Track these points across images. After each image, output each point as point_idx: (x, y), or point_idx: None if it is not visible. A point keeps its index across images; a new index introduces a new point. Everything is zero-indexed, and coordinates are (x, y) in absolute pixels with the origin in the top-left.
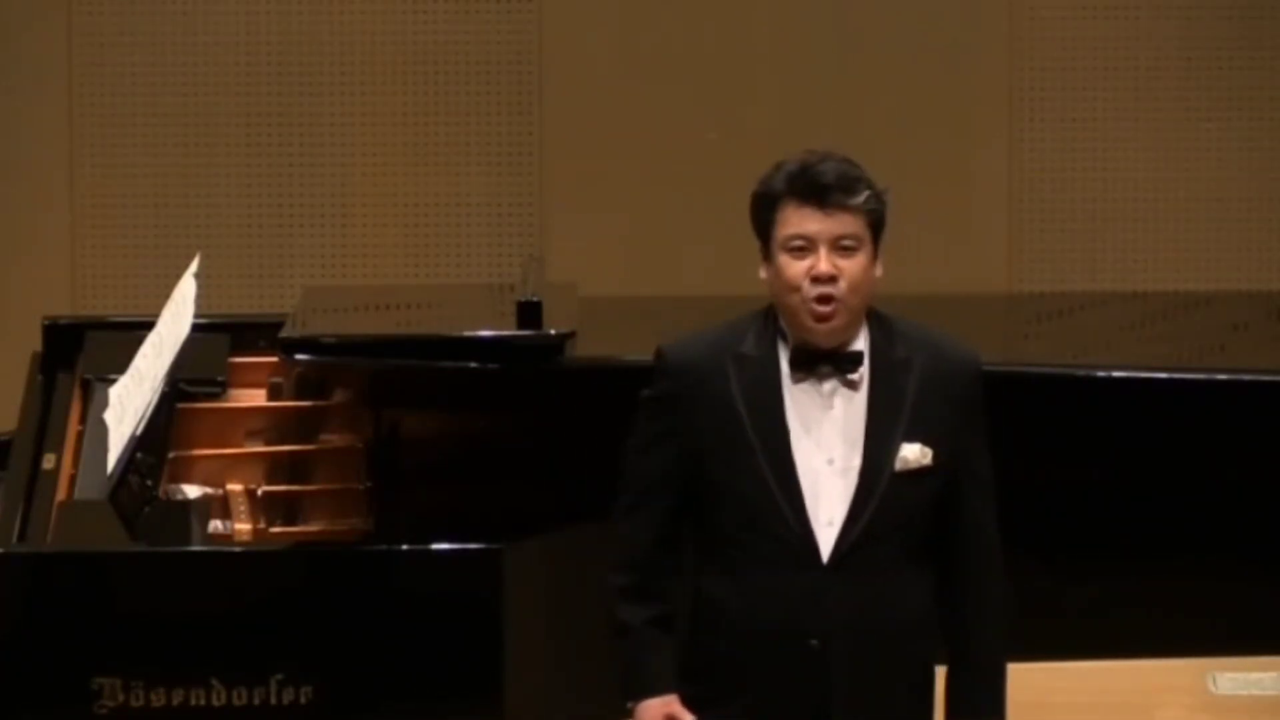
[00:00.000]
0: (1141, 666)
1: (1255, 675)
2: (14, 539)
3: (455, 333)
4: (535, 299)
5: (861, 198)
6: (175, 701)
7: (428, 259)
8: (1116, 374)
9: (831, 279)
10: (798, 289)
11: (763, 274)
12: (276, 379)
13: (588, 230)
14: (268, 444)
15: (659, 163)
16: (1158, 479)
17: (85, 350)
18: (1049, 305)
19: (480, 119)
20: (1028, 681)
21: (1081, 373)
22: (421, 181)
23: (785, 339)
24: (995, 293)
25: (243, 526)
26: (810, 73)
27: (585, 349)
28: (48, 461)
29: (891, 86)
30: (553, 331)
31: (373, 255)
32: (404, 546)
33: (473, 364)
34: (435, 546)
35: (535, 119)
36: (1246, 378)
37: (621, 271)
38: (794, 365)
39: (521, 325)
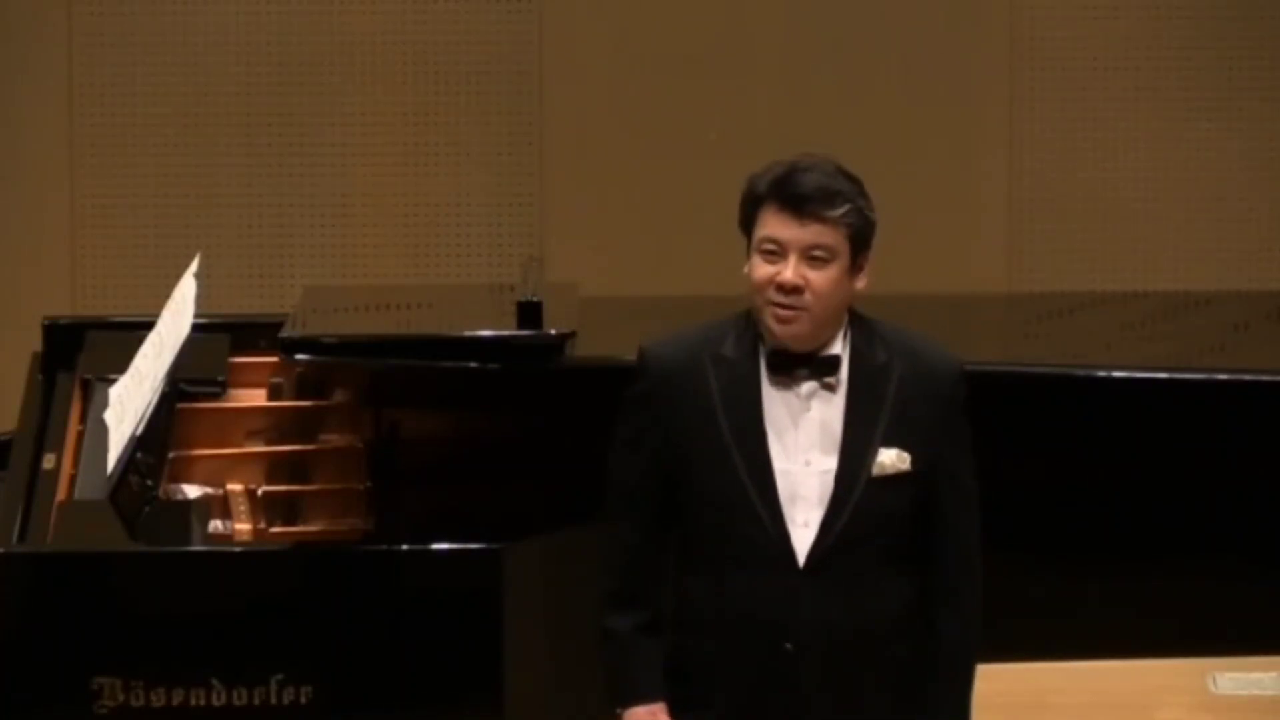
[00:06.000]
0: (1141, 666)
1: (1255, 675)
2: (14, 539)
3: (455, 333)
4: (535, 299)
5: (839, 211)
6: (175, 701)
7: (428, 259)
8: (1116, 374)
9: (796, 289)
10: (763, 292)
11: (746, 271)
12: (277, 379)
13: (588, 230)
14: (268, 444)
15: (659, 162)
16: (1158, 479)
17: (85, 350)
18: (1049, 305)
19: (480, 119)
20: (1028, 681)
21: (1081, 373)
22: (421, 181)
23: (764, 341)
24: (995, 293)
25: (243, 526)
26: (810, 72)
27: (585, 349)
28: (48, 461)
29: (892, 86)
30: (553, 331)
31: (373, 255)
32: (404, 546)
33: (473, 364)
34: (435, 546)
35: (535, 119)
36: (1246, 378)
37: (621, 271)
38: (772, 368)
39: (521, 325)
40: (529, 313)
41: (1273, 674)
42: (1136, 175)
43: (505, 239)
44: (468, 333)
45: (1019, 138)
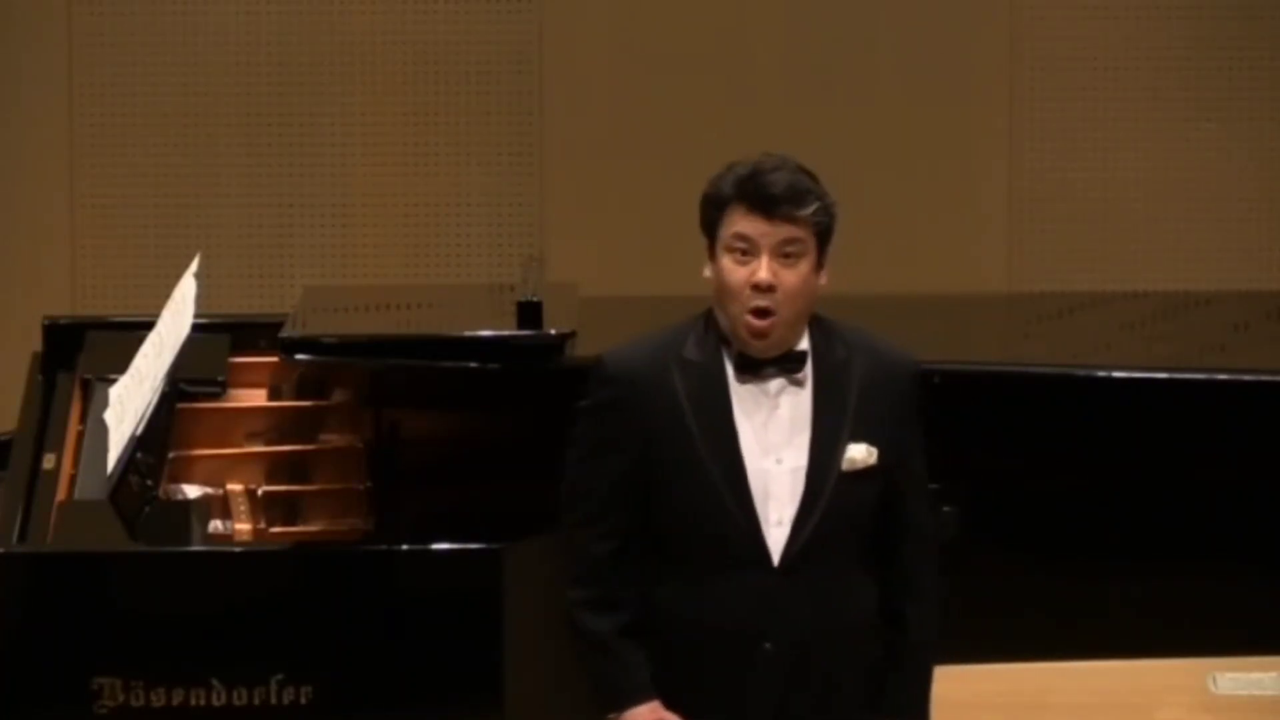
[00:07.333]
0: (1141, 666)
1: (1255, 675)
2: (14, 539)
3: (455, 333)
4: (535, 299)
5: (809, 209)
6: (175, 701)
7: (428, 259)
8: (1116, 374)
9: (770, 288)
10: (737, 296)
11: (706, 273)
12: (277, 379)
13: (588, 230)
14: (268, 444)
15: (659, 163)
16: (1158, 479)
17: (85, 350)
18: (1049, 305)
19: (480, 119)
20: (1028, 681)
21: (1081, 373)
22: (421, 181)
23: (728, 341)
24: (995, 293)
25: (243, 526)
26: (810, 73)
27: (585, 349)
28: (48, 461)
29: (892, 86)
30: (553, 331)
31: (373, 255)
32: (404, 546)
33: (473, 364)
34: (435, 546)
35: (535, 119)
36: (1246, 378)
37: (621, 271)
38: (739, 367)
39: (521, 325)
40: (529, 313)
41: (1273, 674)
42: (1136, 175)
43: (505, 239)
44: (468, 333)
45: (1019, 138)
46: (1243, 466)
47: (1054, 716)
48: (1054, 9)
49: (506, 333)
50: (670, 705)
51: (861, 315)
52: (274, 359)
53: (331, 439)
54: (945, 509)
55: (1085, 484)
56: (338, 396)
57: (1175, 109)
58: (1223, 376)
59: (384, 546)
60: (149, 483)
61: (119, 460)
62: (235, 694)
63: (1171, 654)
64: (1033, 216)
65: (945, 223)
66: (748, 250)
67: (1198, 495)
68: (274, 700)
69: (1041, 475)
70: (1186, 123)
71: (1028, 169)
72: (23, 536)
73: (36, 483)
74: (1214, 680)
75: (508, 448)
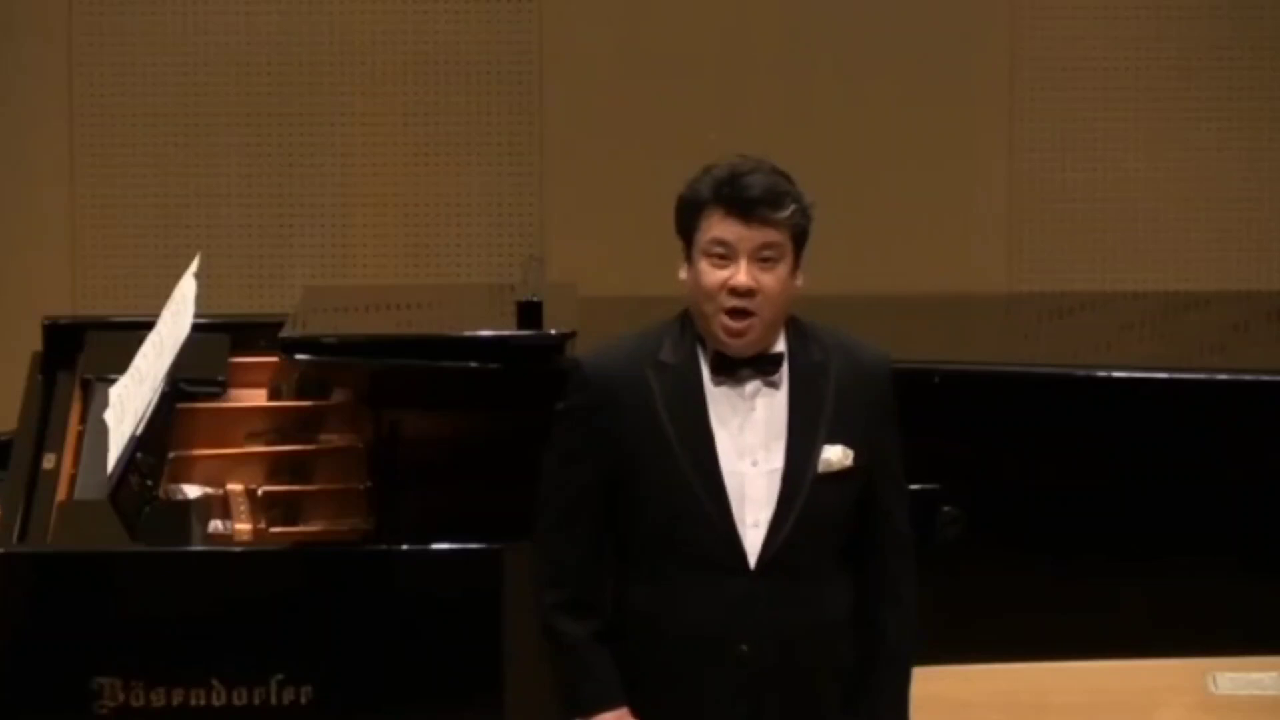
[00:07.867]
0: (1141, 666)
1: (1255, 675)
2: (14, 539)
3: (455, 333)
4: (535, 299)
5: (787, 212)
6: (175, 701)
7: (428, 259)
8: (1116, 374)
9: (749, 292)
10: (713, 298)
11: (682, 275)
12: (277, 381)
13: (588, 230)
14: (268, 444)
15: (659, 163)
16: (1158, 479)
17: (85, 350)
18: (1049, 305)
19: (480, 119)
20: (1028, 681)
21: (1081, 373)
22: (421, 181)
23: (703, 343)
24: (995, 293)
25: (243, 526)
26: (810, 72)
27: (585, 349)
28: (48, 461)
29: (892, 87)
30: (553, 331)
31: (373, 255)
32: (404, 546)
33: (473, 364)
34: (435, 546)
35: (535, 119)
36: (1246, 378)
37: (621, 271)
38: (715, 369)
39: (521, 325)
40: (529, 313)
41: (1273, 674)
42: (1136, 176)
43: (505, 239)
44: (467, 333)
45: (1019, 138)
46: (1243, 466)
47: (1054, 716)
48: (1054, 10)
49: (506, 333)
50: (645, 708)
51: (861, 316)
52: (274, 359)
53: (331, 439)
54: (945, 509)
55: (1085, 483)
56: (338, 396)
57: (1175, 109)
58: (1223, 376)
59: (384, 546)
60: (149, 483)
61: (119, 460)
62: (235, 694)
63: (1171, 654)
64: (1033, 216)
65: (945, 223)
66: (726, 255)
67: (1198, 495)
68: (274, 700)
69: (1041, 475)
70: (1186, 123)
71: (1028, 170)
72: (23, 536)
73: (36, 483)
74: (1214, 680)
75: (508, 448)
